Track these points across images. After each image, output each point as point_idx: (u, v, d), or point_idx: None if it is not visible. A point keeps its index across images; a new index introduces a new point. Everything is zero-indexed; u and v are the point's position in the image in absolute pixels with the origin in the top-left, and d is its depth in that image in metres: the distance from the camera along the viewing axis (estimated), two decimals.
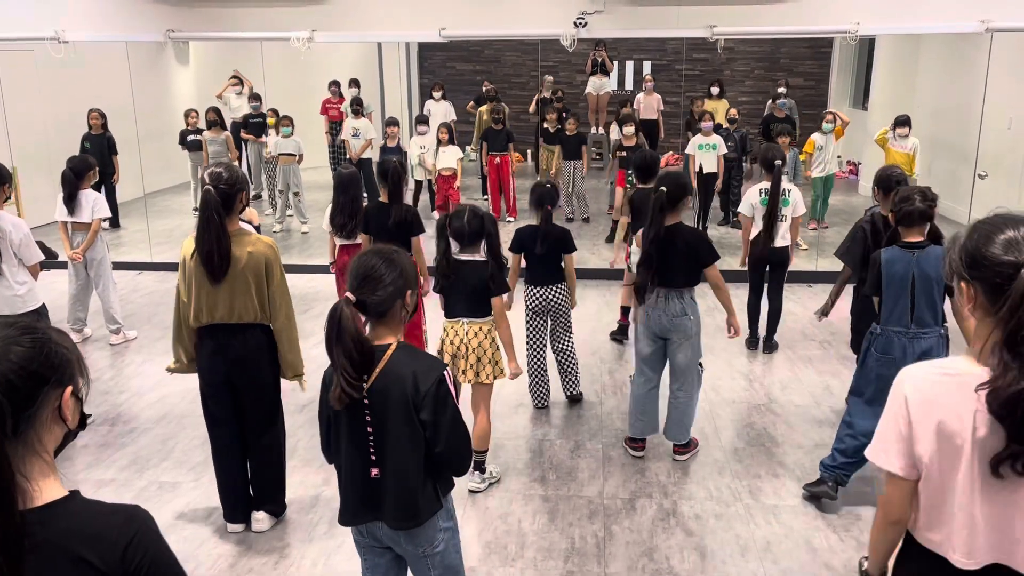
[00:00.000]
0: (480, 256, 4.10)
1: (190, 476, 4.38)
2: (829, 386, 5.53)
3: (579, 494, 4.20)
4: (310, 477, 4.37)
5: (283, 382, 3.85)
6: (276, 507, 3.93)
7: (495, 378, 4.12)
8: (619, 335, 6.36)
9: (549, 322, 5.06)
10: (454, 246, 4.12)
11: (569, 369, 5.15)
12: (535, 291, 4.93)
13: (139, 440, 4.82)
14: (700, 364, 4.48)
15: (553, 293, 4.92)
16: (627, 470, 4.44)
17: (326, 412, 2.43)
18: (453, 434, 2.33)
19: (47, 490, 1.45)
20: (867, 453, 1.90)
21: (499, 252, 4.10)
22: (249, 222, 3.88)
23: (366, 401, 2.30)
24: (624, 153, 8.53)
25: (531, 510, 4.05)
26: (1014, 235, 1.70)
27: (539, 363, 5.10)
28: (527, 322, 5.05)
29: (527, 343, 5.07)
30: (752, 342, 6.17)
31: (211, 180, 3.42)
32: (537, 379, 5.13)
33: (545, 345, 5.10)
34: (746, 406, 5.25)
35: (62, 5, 7.68)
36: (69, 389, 1.49)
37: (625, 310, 6.35)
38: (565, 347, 5.11)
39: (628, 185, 7.76)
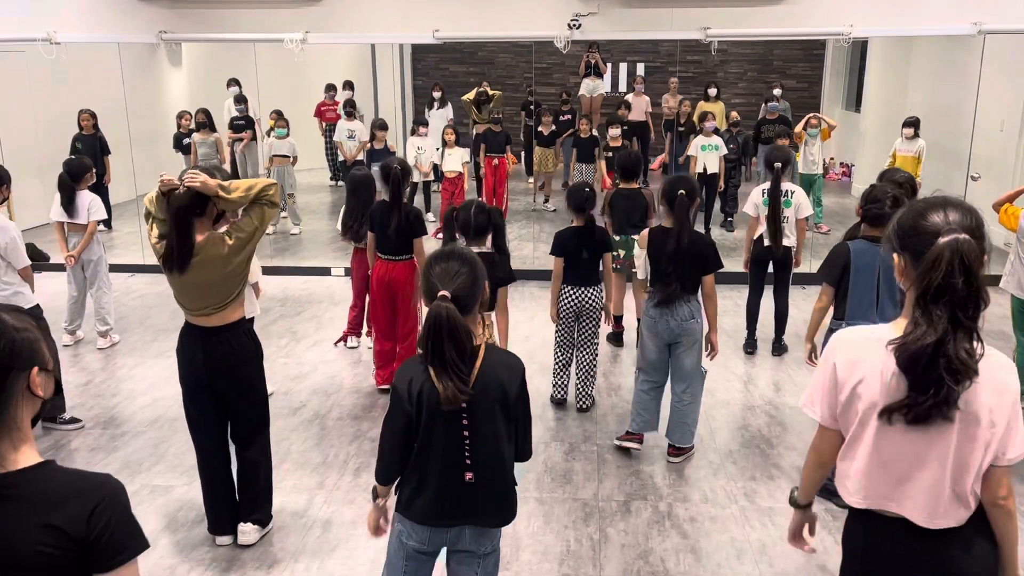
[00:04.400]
0: (485, 248, 4.19)
1: (183, 480, 4.35)
2: None
3: (574, 497, 4.19)
4: (303, 481, 4.35)
5: (269, 389, 3.80)
6: (264, 517, 3.81)
7: None
8: (614, 341, 6.33)
9: (577, 324, 5.04)
10: (460, 240, 4.20)
11: (586, 380, 5.13)
12: (571, 291, 4.93)
13: (131, 443, 4.80)
14: (703, 368, 4.50)
15: (588, 294, 4.93)
16: (622, 472, 4.43)
17: (405, 426, 2.34)
18: (530, 424, 2.48)
19: (21, 457, 1.54)
20: (801, 404, 2.14)
21: (505, 245, 4.24)
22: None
23: (464, 403, 2.28)
24: (610, 154, 8.54)
25: (526, 513, 4.04)
26: (941, 212, 1.87)
27: (566, 363, 5.16)
28: (558, 322, 5.07)
29: (556, 341, 5.13)
30: (750, 345, 6.16)
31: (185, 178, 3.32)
32: (560, 376, 5.19)
33: (572, 348, 5.11)
34: (741, 408, 5.25)
35: (54, 6, 7.64)
36: (35, 368, 1.57)
37: (618, 318, 6.33)
38: (590, 357, 5.09)
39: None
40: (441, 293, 2.24)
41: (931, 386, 1.82)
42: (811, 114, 9.37)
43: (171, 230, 3.30)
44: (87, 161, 6.19)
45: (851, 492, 2.05)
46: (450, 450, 2.33)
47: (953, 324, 1.79)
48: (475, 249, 4.12)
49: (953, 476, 1.91)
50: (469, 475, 2.35)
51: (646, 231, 4.36)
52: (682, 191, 4.15)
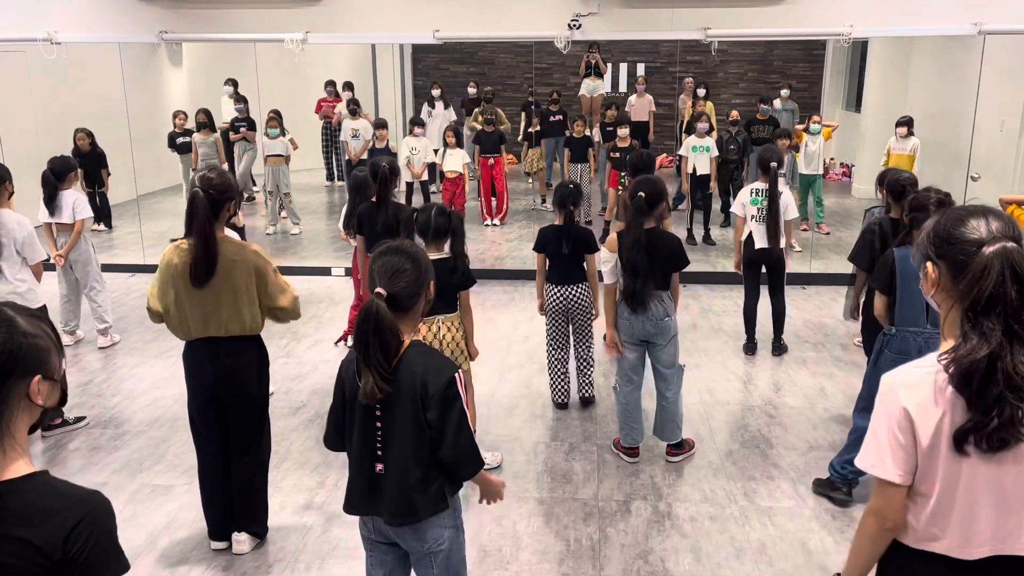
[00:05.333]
0: (443, 254, 4.17)
1: (183, 479, 4.35)
2: (823, 388, 5.54)
3: (574, 496, 4.19)
4: (303, 480, 4.35)
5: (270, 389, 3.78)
6: (258, 528, 3.79)
7: (465, 366, 4.30)
8: None
9: (570, 323, 5.08)
10: (418, 242, 4.18)
11: (585, 370, 5.18)
12: (556, 290, 4.97)
13: (132, 443, 4.80)
14: (682, 363, 4.52)
15: (574, 292, 4.96)
16: (622, 472, 4.43)
17: (340, 403, 2.47)
18: (458, 437, 2.34)
19: (11, 467, 1.49)
20: (860, 464, 1.88)
21: (463, 250, 4.22)
22: (233, 225, 3.80)
23: (380, 396, 2.31)
24: (617, 155, 8.54)
25: (526, 512, 4.04)
26: (982, 220, 1.78)
27: (561, 362, 5.15)
28: (548, 321, 5.10)
29: (547, 341, 5.15)
30: (750, 347, 6.16)
31: (201, 184, 3.33)
32: (559, 377, 5.18)
33: (567, 344, 5.14)
34: (740, 408, 5.25)
35: (54, 6, 7.64)
36: (37, 377, 1.52)
37: None
38: (586, 353, 5.14)
39: (620, 187, 7.77)
40: (377, 291, 2.26)
41: (994, 406, 1.69)
42: (814, 115, 9.37)
43: (188, 232, 3.33)
44: (72, 161, 6.16)
45: (957, 547, 1.82)
46: (364, 439, 2.39)
47: (1008, 337, 1.69)
48: (433, 255, 4.08)
49: None
50: (379, 466, 2.39)
51: (614, 235, 4.35)
52: (642, 193, 4.17)
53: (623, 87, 12.96)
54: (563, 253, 4.89)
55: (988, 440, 1.71)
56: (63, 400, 1.60)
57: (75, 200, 5.98)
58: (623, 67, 13.10)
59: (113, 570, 1.51)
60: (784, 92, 10.48)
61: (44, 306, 4.71)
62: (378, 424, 2.36)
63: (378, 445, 2.38)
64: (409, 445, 2.34)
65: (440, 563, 2.49)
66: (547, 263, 4.99)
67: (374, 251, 2.41)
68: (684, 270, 4.38)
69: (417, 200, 10.17)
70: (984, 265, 1.70)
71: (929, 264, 1.84)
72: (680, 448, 4.56)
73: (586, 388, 5.20)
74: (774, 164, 5.72)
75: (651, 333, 4.34)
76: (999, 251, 1.70)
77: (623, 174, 7.82)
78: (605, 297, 4.43)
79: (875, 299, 4.00)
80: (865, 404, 4.06)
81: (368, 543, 2.56)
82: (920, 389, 1.78)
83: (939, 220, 1.84)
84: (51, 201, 5.93)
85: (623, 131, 8.70)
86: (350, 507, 2.49)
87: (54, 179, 5.92)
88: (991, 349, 1.68)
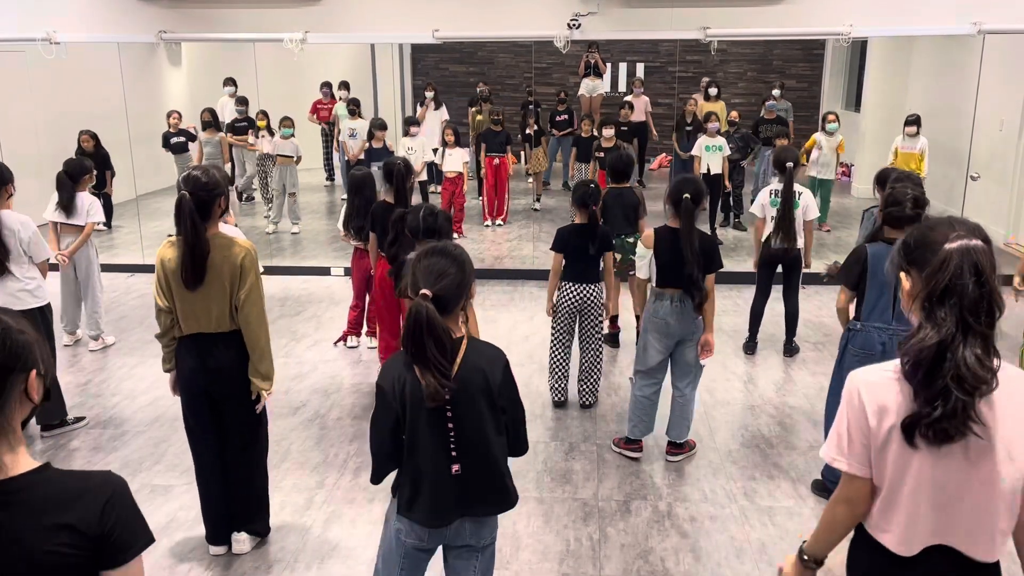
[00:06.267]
0: None
1: (183, 479, 4.35)
2: (823, 387, 5.52)
3: (574, 496, 4.19)
4: (303, 480, 4.35)
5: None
6: (259, 527, 3.78)
7: None
8: (610, 342, 6.33)
9: (579, 322, 5.07)
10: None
11: (590, 376, 5.15)
12: (572, 288, 4.96)
13: (131, 443, 4.80)
14: (702, 363, 4.52)
15: (589, 291, 4.95)
16: (622, 472, 4.43)
17: (393, 421, 2.38)
18: (521, 415, 2.47)
19: (18, 463, 1.52)
20: (824, 456, 1.93)
21: None
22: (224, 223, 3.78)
23: (447, 396, 2.30)
24: (602, 154, 8.56)
25: (525, 512, 4.04)
26: (949, 224, 1.81)
27: (563, 360, 5.14)
28: (556, 319, 5.08)
29: (552, 337, 5.13)
30: (750, 346, 6.16)
31: (187, 185, 3.26)
32: (559, 376, 5.17)
33: (571, 344, 5.13)
34: (740, 408, 5.26)
35: (54, 6, 7.64)
36: (34, 372, 1.55)
37: (613, 318, 6.32)
38: (595, 354, 5.11)
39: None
40: (422, 292, 2.26)
41: (938, 396, 1.70)
42: (829, 114, 9.36)
43: (178, 235, 3.30)
44: (87, 162, 6.15)
45: (898, 542, 1.88)
46: (437, 444, 2.36)
47: (963, 329, 1.70)
48: None
49: (1008, 503, 1.79)
50: (456, 467, 2.37)
51: (650, 231, 4.37)
52: (687, 195, 4.14)
53: (622, 87, 12.96)
54: (589, 254, 4.89)
55: (932, 430, 1.73)
56: (47, 396, 1.63)
57: (90, 203, 5.99)
58: (623, 67, 13.10)
59: (143, 543, 1.57)
60: (775, 91, 10.45)
61: (49, 303, 4.73)
62: (450, 425, 2.35)
63: (452, 446, 2.36)
64: (490, 437, 2.37)
65: (487, 556, 2.52)
66: (562, 263, 4.98)
67: (419, 251, 2.40)
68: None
69: (416, 200, 10.15)
70: (944, 259, 1.74)
71: (903, 275, 1.87)
72: (680, 448, 4.56)
73: (587, 396, 5.18)
74: (790, 164, 5.71)
75: (688, 331, 4.35)
76: (961, 247, 1.74)
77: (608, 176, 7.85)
78: (634, 289, 4.41)
79: (840, 294, 4.02)
80: (835, 402, 4.09)
81: (408, 550, 2.49)
82: (882, 389, 1.82)
83: (910, 232, 1.90)
84: (70, 203, 5.89)
85: (608, 131, 8.72)
86: (439, 520, 2.41)
87: (70, 181, 5.89)
88: (940, 338, 1.71)
